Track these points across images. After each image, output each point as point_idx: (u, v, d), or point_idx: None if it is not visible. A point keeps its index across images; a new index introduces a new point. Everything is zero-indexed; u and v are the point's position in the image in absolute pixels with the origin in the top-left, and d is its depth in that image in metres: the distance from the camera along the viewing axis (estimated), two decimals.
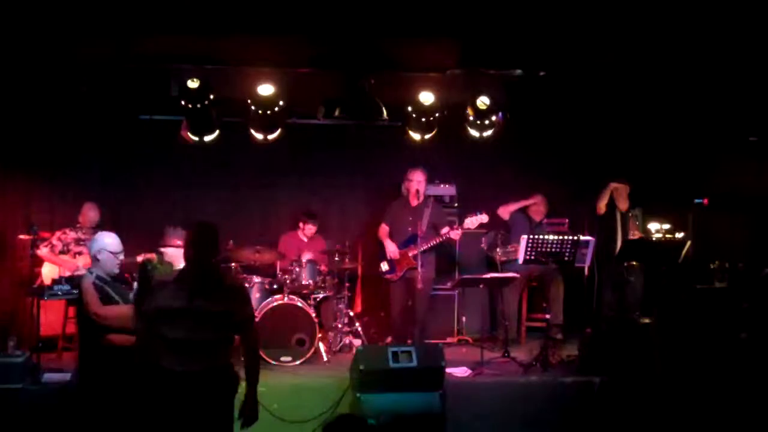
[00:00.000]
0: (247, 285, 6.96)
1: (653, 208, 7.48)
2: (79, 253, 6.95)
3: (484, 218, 6.82)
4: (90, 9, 5.62)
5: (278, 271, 7.24)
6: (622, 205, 7.44)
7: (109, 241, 5.06)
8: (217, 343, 3.93)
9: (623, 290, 7.25)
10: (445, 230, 6.88)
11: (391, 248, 7.00)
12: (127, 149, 7.94)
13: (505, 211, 7.50)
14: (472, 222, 6.81)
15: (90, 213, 7.06)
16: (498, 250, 7.26)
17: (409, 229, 6.97)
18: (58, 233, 6.96)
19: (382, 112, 6.98)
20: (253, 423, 4.01)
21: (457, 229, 6.87)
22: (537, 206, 7.56)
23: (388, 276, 7.08)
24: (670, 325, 6.28)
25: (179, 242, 5.33)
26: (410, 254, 6.87)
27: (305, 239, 7.70)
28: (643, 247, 7.03)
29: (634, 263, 7.27)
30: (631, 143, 8.04)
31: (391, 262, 7.03)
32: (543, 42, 6.30)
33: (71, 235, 6.97)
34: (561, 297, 7.27)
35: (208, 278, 3.93)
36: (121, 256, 5.11)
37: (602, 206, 7.41)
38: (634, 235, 7.28)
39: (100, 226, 7.14)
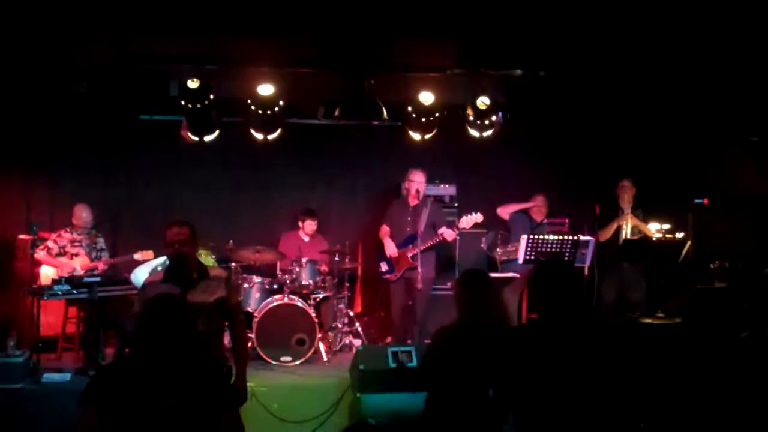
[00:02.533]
0: (246, 285, 6.98)
1: (653, 208, 7.48)
2: (76, 254, 6.95)
3: (478, 218, 6.80)
4: (90, 9, 5.63)
5: (278, 271, 7.25)
6: (625, 205, 7.37)
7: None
8: (211, 334, 4.03)
9: (623, 290, 7.25)
10: (441, 230, 6.87)
11: (391, 248, 6.99)
12: (127, 149, 7.95)
13: (504, 212, 7.48)
14: (467, 222, 6.79)
15: (82, 214, 7.04)
16: (498, 249, 7.25)
17: (408, 229, 6.97)
18: (53, 236, 6.96)
19: (382, 112, 6.98)
20: (242, 404, 4.12)
21: (451, 229, 6.86)
22: (538, 207, 7.54)
23: (387, 276, 7.07)
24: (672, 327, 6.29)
25: None
26: (409, 254, 6.87)
27: (306, 239, 7.70)
28: (643, 247, 7.02)
29: (626, 264, 7.24)
30: (632, 143, 8.04)
31: (390, 262, 7.03)
32: (543, 42, 6.30)
33: (66, 237, 6.97)
34: None
35: (196, 272, 4.07)
36: None
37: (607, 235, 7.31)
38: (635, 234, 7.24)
39: (95, 227, 7.15)
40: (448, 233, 6.80)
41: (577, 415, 3.06)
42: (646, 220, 7.28)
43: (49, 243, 6.88)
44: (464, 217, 6.80)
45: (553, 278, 3.36)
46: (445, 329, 3.99)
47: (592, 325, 3.42)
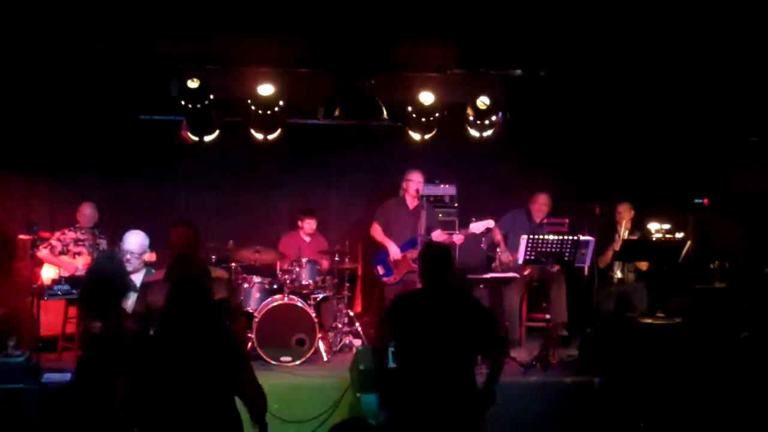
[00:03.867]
0: (246, 285, 6.97)
1: (653, 208, 7.47)
2: (79, 253, 6.95)
3: (490, 223, 6.82)
4: (90, 8, 5.62)
5: (278, 271, 7.24)
6: (623, 229, 7.29)
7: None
8: None
9: (625, 297, 7.25)
10: (438, 235, 6.85)
11: (394, 249, 6.94)
12: (127, 149, 7.95)
13: (497, 233, 7.40)
14: (478, 227, 6.79)
15: (88, 212, 7.05)
16: (497, 250, 7.24)
17: (408, 232, 6.94)
18: (57, 234, 6.96)
19: (382, 112, 6.98)
20: None
21: (459, 233, 6.87)
22: (540, 206, 7.49)
23: (385, 279, 7.03)
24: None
25: None
26: (410, 257, 6.84)
27: (306, 239, 7.70)
28: (643, 247, 7.01)
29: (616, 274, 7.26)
30: (632, 143, 8.03)
31: (387, 264, 6.99)
32: (543, 42, 6.29)
33: (70, 235, 6.97)
34: (564, 295, 7.19)
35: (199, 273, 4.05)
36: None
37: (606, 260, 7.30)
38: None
39: (99, 226, 7.16)
40: (457, 238, 6.82)
41: (444, 357, 3.94)
42: (645, 220, 7.27)
43: (53, 241, 6.89)
44: (476, 222, 6.79)
45: (437, 257, 4.15)
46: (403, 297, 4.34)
47: (463, 294, 4.29)
